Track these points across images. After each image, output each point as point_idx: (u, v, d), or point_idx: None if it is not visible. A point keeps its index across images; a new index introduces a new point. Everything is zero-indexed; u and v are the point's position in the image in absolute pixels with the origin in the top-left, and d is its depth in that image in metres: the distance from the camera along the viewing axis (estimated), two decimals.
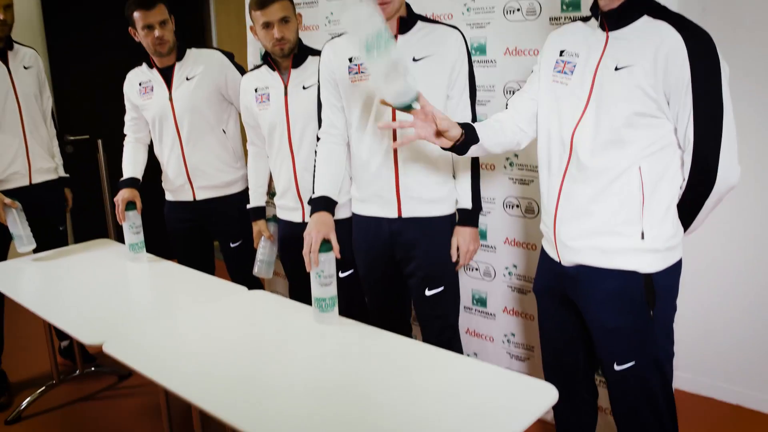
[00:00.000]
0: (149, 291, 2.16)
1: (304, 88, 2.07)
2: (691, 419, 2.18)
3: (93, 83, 3.74)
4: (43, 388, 2.61)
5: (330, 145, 1.88)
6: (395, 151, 1.78)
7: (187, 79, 2.34)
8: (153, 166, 2.52)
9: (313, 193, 1.83)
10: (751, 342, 2.29)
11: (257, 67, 2.21)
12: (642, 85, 1.35)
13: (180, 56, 2.35)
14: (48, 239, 2.58)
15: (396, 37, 1.73)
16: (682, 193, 1.43)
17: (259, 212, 2.30)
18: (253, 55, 2.79)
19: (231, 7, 4.13)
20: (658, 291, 1.43)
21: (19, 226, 2.33)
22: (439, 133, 1.55)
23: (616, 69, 1.38)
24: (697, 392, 2.41)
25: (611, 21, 1.41)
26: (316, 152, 1.90)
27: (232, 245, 2.48)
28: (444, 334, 1.91)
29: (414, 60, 1.74)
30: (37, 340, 2.97)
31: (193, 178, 2.42)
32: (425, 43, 1.75)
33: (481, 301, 2.34)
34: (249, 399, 1.31)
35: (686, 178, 1.41)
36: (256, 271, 2.32)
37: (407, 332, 2.11)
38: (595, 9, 1.45)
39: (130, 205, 2.25)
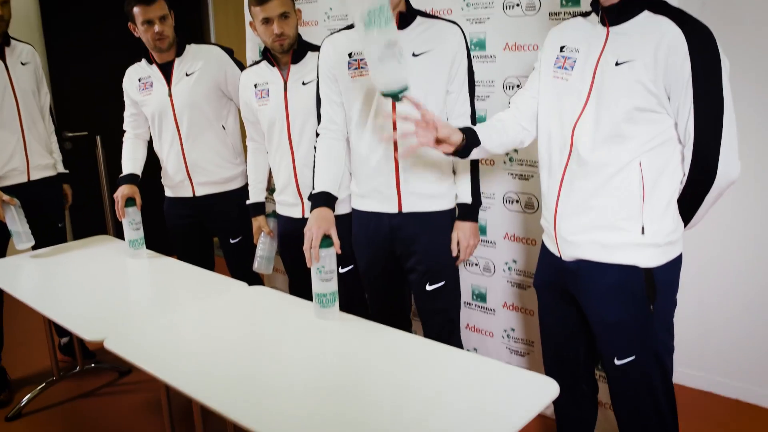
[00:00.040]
0: (149, 287, 2.16)
1: (303, 83, 2.07)
2: (691, 414, 2.19)
3: (91, 79, 3.74)
4: (43, 384, 2.61)
5: (329, 141, 1.88)
6: (395, 147, 1.78)
7: (187, 75, 2.34)
8: (152, 163, 2.52)
9: (313, 188, 1.83)
10: (751, 338, 2.29)
11: (257, 62, 2.21)
12: (642, 80, 1.35)
13: (179, 52, 2.34)
14: (47, 236, 2.58)
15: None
16: (683, 187, 1.44)
17: (259, 208, 2.30)
18: (252, 50, 2.78)
19: (229, 2, 4.12)
20: (658, 285, 1.43)
21: (17, 223, 2.33)
22: (439, 140, 1.56)
23: (617, 64, 1.38)
24: (697, 387, 2.42)
25: (612, 16, 1.41)
26: (315, 148, 1.90)
27: (231, 241, 2.48)
28: (445, 328, 1.92)
29: (413, 55, 1.74)
30: (37, 336, 2.97)
31: (193, 174, 2.41)
32: (425, 39, 1.75)
33: (481, 297, 2.34)
34: (250, 394, 1.32)
35: (686, 173, 1.42)
36: (255, 266, 2.32)
37: (407, 327, 2.11)
38: (595, 4, 1.45)
39: (129, 202, 2.25)
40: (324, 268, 1.61)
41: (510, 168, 2.15)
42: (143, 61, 2.39)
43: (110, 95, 2.94)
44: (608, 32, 1.42)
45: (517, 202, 2.16)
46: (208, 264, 2.50)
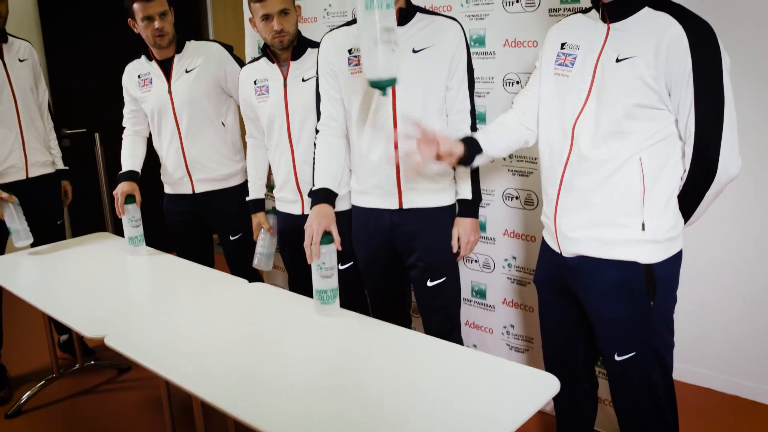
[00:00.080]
0: (149, 284, 2.16)
1: (303, 80, 2.06)
2: (690, 410, 2.20)
3: (90, 76, 3.73)
4: (43, 382, 2.61)
5: (329, 138, 1.88)
6: (395, 143, 1.78)
7: (187, 71, 2.33)
8: (152, 159, 2.52)
9: (313, 185, 1.83)
10: (750, 336, 2.30)
11: (256, 59, 2.21)
12: (643, 77, 1.35)
13: (179, 48, 2.34)
14: (46, 233, 2.58)
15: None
16: (683, 184, 1.44)
17: (259, 204, 2.30)
18: (251, 47, 2.78)
19: None
20: (658, 282, 1.44)
21: (16, 221, 2.33)
22: (440, 155, 1.57)
23: (618, 60, 1.38)
24: (696, 383, 2.43)
25: (612, 12, 1.41)
26: (315, 145, 1.90)
27: (231, 238, 2.48)
28: (445, 325, 1.92)
29: (413, 51, 1.74)
30: (37, 334, 2.97)
31: (192, 171, 2.41)
32: (424, 35, 1.75)
33: (481, 293, 2.34)
34: (250, 391, 1.32)
35: (687, 169, 1.42)
36: (255, 263, 2.32)
37: (407, 324, 2.12)
38: (596, 1, 1.45)
39: (129, 199, 2.25)
40: (324, 264, 1.61)
41: (510, 164, 2.15)
42: (143, 57, 2.38)
43: (109, 92, 2.94)
44: (609, 29, 1.42)
45: (516, 198, 2.17)
46: (207, 261, 2.50)
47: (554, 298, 1.66)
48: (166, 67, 2.34)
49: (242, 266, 2.44)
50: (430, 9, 1.87)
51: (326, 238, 1.62)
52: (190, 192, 2.45)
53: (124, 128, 2.50)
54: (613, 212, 1.43)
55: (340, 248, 1.64)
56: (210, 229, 2.57)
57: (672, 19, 1.33)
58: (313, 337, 1.57)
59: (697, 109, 1.35)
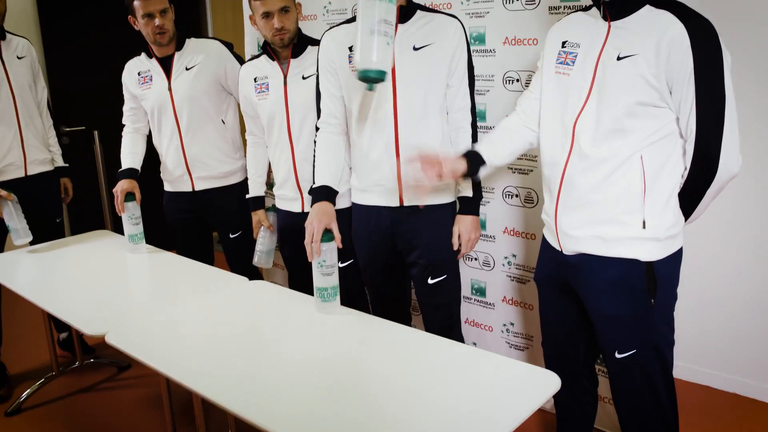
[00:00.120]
0: (150, 282, 2.16)
1: (303, 78, 2.06)
2: (691, 408, 2.20)
3: (89, 74, 3.72)
4: (43, 380, 2.60)
5: (329, 135, 1.88)
6: (396, 140, 1.78)
7: (187, 69, 2.33)
8: (152, 157, 2.51)
9: (314, 183, 1.83)
10: (750, 334, 2.31)
11: (256, 56, 2.21)
12: (644, 75, 1.35)
13: (179, 46, 2.34)
14: (45, 231, 2.58)
15: (396, 26, 1.73)
16: (684, 182, 1.44)
17: (259, 202, 2.30)
18: (251, 44, 2.78)
19: None
20: (659, 279, 1.44)
21: (15, 219, 2.32)
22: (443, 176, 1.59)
23: (619, 58, 1.38)
24: (695, 381, 2.44)
25: (613, 11, 1.41)
26: (315, 142, 1.90)
27: (231, 236, 2.48)
28: (446, 322, 1.92)
29: (414, 49, 1.74)
30: (36, 332, 2.97)
31: (192, 168, 2.41)
32: (425, 32, 1.75)
33: (480, 291, 2.35)
34: (251, 388, 1.32)
35: (688, 167, 1.42)
36: (255, 260, 2.32)
37: (407, 321, 2.12)
38: None
39: (129, 196, 2.25)
40: (325, 262, 1.61)
41: (510, 162, 2.15)
42: (143, 54, 2.38)
43: (108, 90, 2.94)
44: (609, 27, 1.42)
45: (516, 196, 2.17)
46: (207, 259, 2.50)
47: (555, 296, 1.66)
48: (167, 64, 2.34)
49: (242, 264, 2.44)
50: (431, 6, 1.87)
51: (327, 235, 1.62)
52: (190, 190, 2.45)
53: (123, 126, 2.50)
54: (614, 210, 1.44)
55: (340, 246, 1.64)
56: (210, 226, 2.57)
57: (673, 17, 1.33)
58: (313, 335, 1.57)
59: (698, 108, 1.35)
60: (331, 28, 1.90)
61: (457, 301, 1.95)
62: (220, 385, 1.33)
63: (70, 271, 2.17)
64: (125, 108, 2.48)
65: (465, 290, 2.36)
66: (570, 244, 1.52)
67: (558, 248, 1.57)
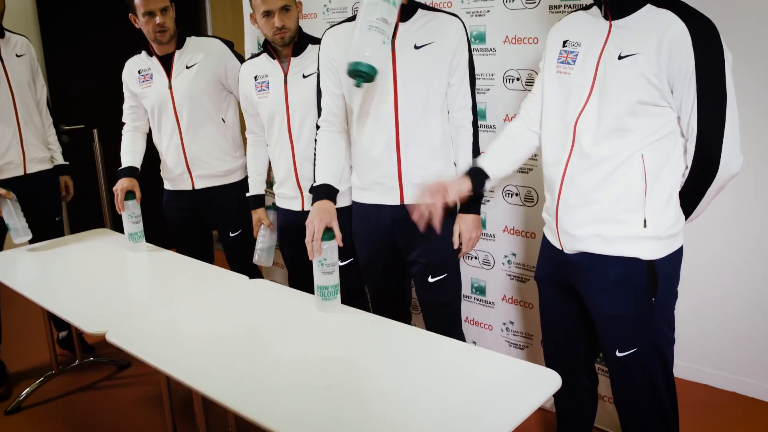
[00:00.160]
0: (150, 280, 2.15)
1: (304, 76, 2.06)
2: (690, 407, 2.20)
3: (88, 72, 3.72)
4: (42, 378, 2.60)
5: (330, 134, 1.88)
6: (397, 139, 1.78)
7: (187, 67, 2.33)
8: (152, 155, 2.51)
9: (314, 181, 1.83)
10: (750, 333, 2.31)
11: (257, 54, 2.20)
12: (646, 74, 1.35)
13: (180, 44, 2.33)
14: (44, 230, 2.57)
15: (397, 24, 1.73)
16: (685, 181, 1.44)
17: (259, 200, 2.30)
18: (251, 44, 2.77)
19: None
20: (660, 278, 1.44)
21: (14, 218, 2.32)
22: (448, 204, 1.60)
23: (620, 58, 1.38)
24: (695, 380, 2.44)
25: (615, 10, 1.41)
26: (316, 141, 1.90)
27: (231, 235, 2.48)
28: (446, 321, 1.92)
29: (415, 48, 1.74)
30: (36, 331, 2.97)
31: (192, 167, 2.41)
32: (426, 31, 1.75)
33: (480, 290, 2.35)
34: (251, 386, 1.32)
35: (689, 166, 1.42)
36: (256, 259, 2.32)
37: (407, 320, 2.12)
38: None
39: (129, 195, 2.24)
40: (326, 260, 1.61)
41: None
42: (143, 53, 2.38)
43: (107, 88, 2.94)
44: (611, 26, 1.42)
45: (516, 195, 2.17)
46: (207, 257, 2.50)
47: (555, 294, 1.66)
48: (167, 62, 2.33)
49: (242, 263, 2.44)
50: (432, 5, 1.87)
51: (327, 234, 1.62)
52: (190, 188, 2.45)
53: (123, 124, 2.50)
54: (615, 209, 1.44)
55: (341, 244, 1.64)
56: (210, 225, 2.57)
57: (675, 16, 1.33)
58: (314, 333, 1.57)
59: (699, 107, 1.35)
60: (332, 26, 1.90)
61: (458, 299, 1.95)
62: (221, 383, 1.33)
63: (70, 270, 2.17)
64: (125, 106, 2.47)
65: (465, 289, 2.36)
66: (571, 243, 1.52)
67: (559, 247, 1.57)
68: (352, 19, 1.86)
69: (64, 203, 2.82)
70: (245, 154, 2.37)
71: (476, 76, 1.89)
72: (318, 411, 1.22)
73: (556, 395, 1.53)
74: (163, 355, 1.47)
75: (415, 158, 1.79)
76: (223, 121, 2.41)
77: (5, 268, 2.21)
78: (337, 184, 1.82)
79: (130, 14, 2.26)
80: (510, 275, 2.26)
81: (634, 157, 1.40)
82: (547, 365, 1.71)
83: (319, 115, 1.90)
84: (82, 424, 2.38)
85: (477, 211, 1.86)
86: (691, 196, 1.45)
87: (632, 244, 1.44)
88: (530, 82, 2.03)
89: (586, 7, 1.54)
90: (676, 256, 1.47)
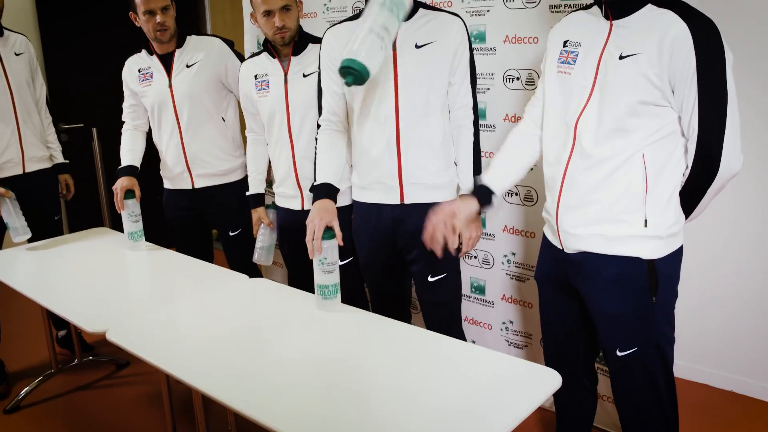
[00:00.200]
0: (150, 279, 2.15)
1: (304, 75, 2.06)
2: (690, 406, 2.20)
3: (87, 71, 3.72)
4: (42, 377, 2.60)
5: (330, 133, 1.88)
6: (397, 138, 1.78)
7: (187, 66, 2.32)
8: (151, 154, 2.51)
9: (315, 180, 1.83)
10: (749, 333, 2.32)
11: (257, 53, 2.20)
12: (647, 74, 1.35)
13: (180, 43, 2.33)
14: (43, 228, 2.57)
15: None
16: (685, 180, 1.44)
17: (259, 199, 2.30)
18: (251, 42, 2.77)
19: None
20: (660, 277, 1.44)
21: (13, 216, 2.32)
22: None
23: (621, 58, 1.38)
24: (696, 380, 2.44)
25: (615, 10, 1.41)
26: (316, 140, 1.90)
27: (231, 234, 2.47)
28: (446, 320, 1.93)
29: (416, 47, 1.74)
30: (35, 329, 2.96)
31: (192, 166, 2.40)
32: (427, 30, 1.75)
33: (480, 289, 2.35)
34: (252, 385, 1.32)
35: (689, 166, 1.42)
36: (255, 258, 2.32)
37: (407, 320, 2.12)
38: None
39: (128, 194, 2.24)
40: (326, 259, 1.61)
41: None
42: (143, 51, 2.37)
43: (107, 87, 2.93)
44: (611, 26, 1.42)
45: (516, 194, 2.17)
46: (206, 257, 2.50)
47: (555, 294, 1.66)
48: (167, 61, 2.33)
49: (241, 262, 2.44)
50: (433, 5, 1.87)
51: (328, 233, 1.62)
52: (190, 187, 2.45)
53: (123, 123, 2.50)
54: (616, 209, 1.44)
55: (341, 244, 1.65)
56: (209, 224, 2.56)
57: (676, 16, 1.33)
58: (314, 332, 1.57)
59: (700, 107, 1.35)
60: (333, 25, 1.90)
61: (458, 299, 1.96)
62: (221, 382, 1.33)
63: (69, 269, 2.17)
64: (125, 105, 2.47)
65: (464, 288, 2.36)
66: (571, 243, 1.53)
67: (559, 246, 1.57)
68: (354, 18, 1.86)
69: (63, 202, 2.81)
70: (245, 154, 2.37)
71: (476, 76, 1.89)
72: (318, 409, 1.22)
73: (555, 395, 1.54)
74: (163, 354, 1.47)
75: (416, 158, 1.79)
76: (223, 120, 2.41)
77: (4, 266, 2.21)
78: (337, 183, 1.82)
79: (130, 12, 2.25)
80: (509, 275, 2.26)
81: (635, 157, 1.41)
82: (547, 365, 1.71)
83: (320, 114, 1.90)
84: (81, 423, 2.38)
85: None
86: (691, 195, 1.45)
87: (633, 243, 1.44)
88: (530, 82, 2.04)
89: (586, 7, 1.54)
90: (677, 256, 1.47)
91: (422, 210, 1.82)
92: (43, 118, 2.67)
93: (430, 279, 1.88)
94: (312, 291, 1.69)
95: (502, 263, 2.26)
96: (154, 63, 2.34)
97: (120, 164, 2.39)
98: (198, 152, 2.38)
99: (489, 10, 2.07)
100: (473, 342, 2.39)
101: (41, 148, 2.63)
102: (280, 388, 1.30)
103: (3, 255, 2.35)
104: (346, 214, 1.98)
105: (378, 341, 1.50)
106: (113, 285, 2.00)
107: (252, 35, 2.76)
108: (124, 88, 2.44)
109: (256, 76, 2.13)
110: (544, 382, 1.27)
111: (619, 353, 1.51)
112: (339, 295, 1.65)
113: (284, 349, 1.47)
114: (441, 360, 1.39)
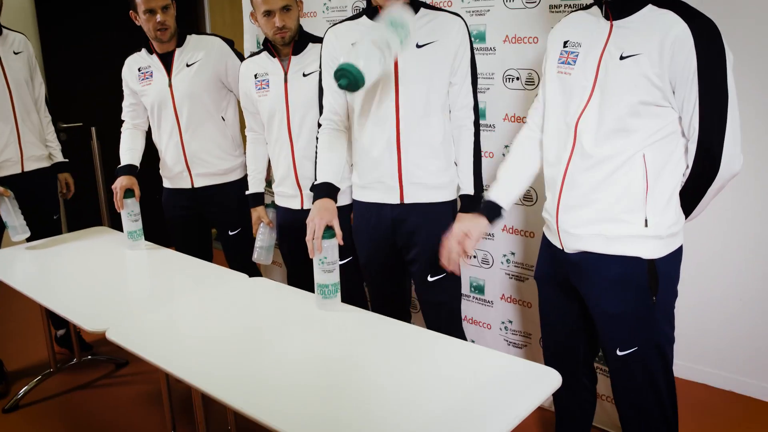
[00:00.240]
0: (150, 278, 2.15)
1: (304, 75, 2.06)
2: (689, 406, 2.21)
3: (86, 70, 3.71)
4: (40, 376, 2.60)
5: (331, 132, 1.88)
6: (397, 137, 1.78)
7: (187, 65, 2.32)
8: (151, 153, 2.51)
9: (315, 179, 1.83)
10: (749, 333, 2.32)
11: (257, 53, 2.20)
12: (648, 74, 1.35)
13: (180, 42, 2.33)
14: (42, 228, 2.57)
15: None
16: (686, 180, 1.45)
17: (258, 198, 2.30)
18: (250, 42, 2.77)
19: None
20: (660, 277, 1.44)
21: (12, 215, 2.32)
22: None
23: (621, 58, 1.38)
24: (695, 380, 2.45)
25: (616, 10, 1.41)
26: (317, 139, 1.90)
27: (230, 233, 2.47)
28: (446, 320, 1.93)
29: (418, 46, 1.74)
30: (34, 329, 2.96)
31: (192, 165, 2.40)
32: (428, 30, 1.75)
33: (479, 289, 2.35)
34: (252, 384, 1.32)
35: (690, 166, 1.43)
36: (255, 257, 2.32)
37: (407, 319, 2.12)
38: None
39: (128, 193, 2.24)
40: (326, 259, 1.61)
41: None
42: (143, 50, 2.37)
43: (105, 86, 2.93)
44: (612, 26, 1.43)
45: None
46: (206, 256, 2.50)
47: (555, 294, 1.66)
48: (167, 60, 2.33)
49: (241, 262, 2.44)
50: (433, 5, 1.87)
51: (328, 232, 1.62)
52: (189, 186, 2.44)
53: (122, 121, 2.49)
54: (616, 208, 1.44)
55: (342, 243, 1.65)
56: (209, 223, 2.56)
57: (676, 16, 1.33)
58: (313, 332, 1.57)
59: (701, 107, 1.35)
60: (334, 24, 1.90)
61: (458, 299, 1.96)
62: (220, 381, 1.33)
63: (69, 268, 2.17)
64: (125, 104, 2.47)
65: (464, 288, 2.36)
66: (571, 243, 1.53)
67: (559, 246, 1.57)
68: (355, 17, 1.86)
69: (62, 201, 2.81)
70: (245, 153, 2.37)
71: (477, 76, 1.89)
72: (317, 408, 1.22)
73: (555, 394, 1.54)
74: (163, 354, 1.47)
75: (416, 157, 1.79)
76: (223, 119, 2.41)
77: (3, 266, 2.21)
78: (338, 182, 1.82)
79: (130, 11, 2.25)
80: (509, 274, 2.26)
81: (635, 157, 1.41)
82: (547, 364, 1.71)
83: (321, 113, 1.90)
84: (80, 423, 2.37)
85: (477, 211, 1.85)
86: (691, 195, 1.45)
87: (633, 243, 1.44)
88: (530, 82, 2.04)
89: (586, 7, 1.54)
90: (677, 255, 1.48)
91: (422, 210, 1.83)
92: (42, 117, 2.67)
93: (429, 279, 1.88)
94: (311, 290, 1.69)
95: (502, 263, 2.27)
96: (154, 62, 2.34)
97: (119, 163, 2.39)
98: (198, 151, 2.38)
99: (489, 10, 2.07)
100: (472, 341, 2.39)
101: (40, 147, 2.63)
102: (280, 387, 1.30)
103: (2, 254, 2.35)
104: (345, 213, 1.98)
105: (378, 341, 1.51)
106: (113, 284, 2.00)
107: (251, 34, 2.76)
108: (124, 87, 2.43)
109: (255, 76, 2.13)
110: (544, 382, 1.27)
111: (619, 353, 1.51)
112: (339, 294, 1.65)
113: (284, 348, 1.48)
114: (441, 359, 1.39)
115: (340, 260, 1.88)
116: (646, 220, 1.42)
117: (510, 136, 2.12)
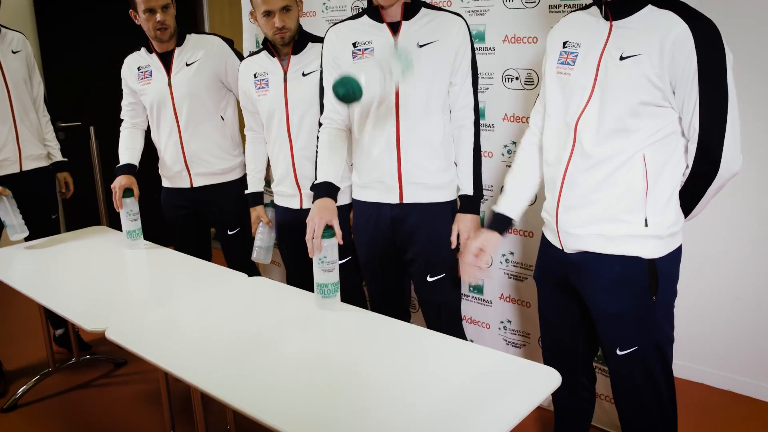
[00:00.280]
0: (149, 278, 2.15)
1: (303, 74, 2.06)
2: (688, 406, 2.21)
3: (85, 69, 3.71)
4: (39, 376, 2.60)
5: (332, 131, 1.88)
6: (397, 137, 1.78)
7: (187, 64, 2.32)
8: (150, 152, 2.50)
9: (315, 179, 1.83)
10: (747, 333, 2.32)
11: (256, 52, 2.20)
12: (648, 75, 1.35)
13: (180, 42, 2.33)
14: (40, 227, 2.56)
15: (400, 23, 1.75)
16: (686, 180, 1.45)
17: (257, 197, 2.30)
18: (249, 42, 2.76)
19: None
20: (660, 276, 1.45)
21: (10, 215, 2.32)
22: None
23: (621, 58, 1.38)
24: (694, 379, 2.45)
25: (615, 10, 1.41)
26: (318, 138, 1.90)
27: (229, 233, 2.47)
28: (446, 320, 1.93)
29: (418, 46, 1.74)
30: (33, 328, 2.95)
31: (191, 165, 2.40)
32: (429, 30, 1.75)
33: (478, 288, 2.35)
34: (251, 383, 1.32)
35: (690, 166, 1.43)
36: (254, 256, 2.32)
37: (406, 319, 2.12)
38: None
39: (127, 192, 2.24)
40: (326, 258, 1.61)
41: (508, 160, 2.16)
42: (143, 50, 2.37)
43: (104, 85, 2.93)
44: (611, 26, 1.42)
45: None
46: (205, 255, 2.49)
47: (554, 293, 1.66)
48: (167, 60, 2.33)
49: (240, 261, 2.44)
50: (433, 4, 1.87)
51: (328, 232, 1.62)
52: (189, 186, 2.44)
53: (121, 121, 2.49)
54: (616, 208, 1.44)
55: (341, 242, 1.64)
56: (208, 223, 2.56)
57: (677, 17, 1.33)
58: (313, 331, 1.57)
59: (701, 107, 1.35)
60: (335, 24, 1.90)
61: (458, 298, 1.96)
62: (220, 380, 1.33)
63: (68, 267, 2.16)
64: (124, 103, 2.47)
65: (463, 288, 2.36)
66: (571, 242, 1.53)
67: (558, 246, 1.57)
68: (356, 17, 1.86)
69: (60, 200, 2.80)
70: (244, 152, 2.37)
71: (478, 76, 1.89)
72: (316, 407, 1.22)
73: (554, 394, 1.54)
74: (162, 353, 1.47)
75: (416, 157, 1.79)
76: (222, 119, 2.41)
77: (2, 265, 2.20)
78: (338, 182, 1.82)
79: (130, 10, 2.25)
80: (508, 274, 2.26)
81: (635, 157, 1.41)
82: (546, 364, 1.71)
83: (322, 112, 1.90)
84: (79, 422, 2.37)
85: (476, 211, 1.86)
86: (691, 195, 1.45)
87: (633, 243, 1.44)
88: (529, 82, 2.04)
89: (585, 7, 1.54)
90: (676, 255, 1.48)
91: (422, 210, 1.83)
92: (40, 117, 2.66)
93: (429, 279, 1.88)
94: (311, 290, 1.69)
95: (501, 262, 2.27)
96: (154, 61, 2.34)
97: (118, 163, 2.39)
98: (197, 151, 2.38)
99: (488, 10, 2.07)
100: (471, 341, 2.39)
101: (38, 147, 2.63)
102: (279, 386, 1.30)
103: (0, 253, 2.34)
104: (345, 212, 1.98)
105: (377, 340, 1.51)
106: (112, 284, 1.99)
107: (251, 34, 2.76)
108: (123, 87, 2.43)
109: (255, 75, 2.13)
110: (543, 381, 1.28)
111: (619, 352, 1.51)
112: (338, 293, 1.65)
113: (283, 347, 1.47)
114: (440, 358, 1.39)
115: (340, 260, 1.88)
116: (646, 220, 1.43)
117: (509, 136, 2.12)
